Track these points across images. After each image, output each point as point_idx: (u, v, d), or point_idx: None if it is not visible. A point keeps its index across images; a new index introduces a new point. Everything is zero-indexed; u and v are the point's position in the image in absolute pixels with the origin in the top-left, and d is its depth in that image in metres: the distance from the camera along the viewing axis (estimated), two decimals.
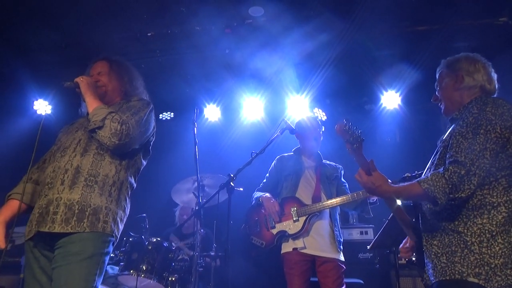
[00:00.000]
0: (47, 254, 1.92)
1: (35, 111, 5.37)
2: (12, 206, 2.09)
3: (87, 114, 2.25)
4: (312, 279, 3.15)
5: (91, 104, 2.10)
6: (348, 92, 5.30)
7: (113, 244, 2.02)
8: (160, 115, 5.66)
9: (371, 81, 5.07)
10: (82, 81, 2.16)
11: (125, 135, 2.01)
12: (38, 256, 1.94)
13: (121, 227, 2.08)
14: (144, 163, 2.35)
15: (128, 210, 2.18)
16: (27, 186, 2.11)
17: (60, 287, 1.78)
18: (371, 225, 4.23)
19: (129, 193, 2.19)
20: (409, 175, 3.03)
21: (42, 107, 5.36)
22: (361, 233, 4.23)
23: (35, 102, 5.35)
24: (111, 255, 2.84)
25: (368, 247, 3.12)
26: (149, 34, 4.41)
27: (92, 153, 2.04)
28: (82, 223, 1.87)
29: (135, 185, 2.25)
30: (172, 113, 5.75)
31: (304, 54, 4.74)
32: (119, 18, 4.01)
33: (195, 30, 4.39)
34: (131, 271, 3.42)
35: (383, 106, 5.24)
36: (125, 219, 2.13)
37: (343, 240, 3.32)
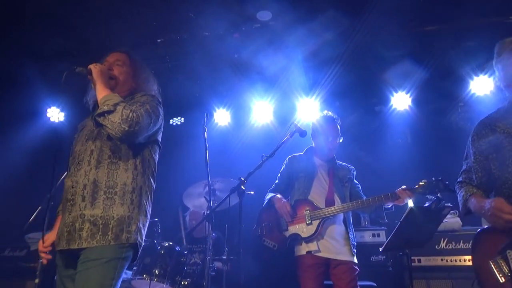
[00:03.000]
0: (73, 263, 1.98)
1: (48, 118, 5.46)
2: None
3: (93, 110, 2.24)
4: (325, 282, 3.13)
5: (102, 91, 2.06)
6: (358, 94, 5.28)
7: (137, 251, 2.03)
8: (171, 120, 5.71)
9: (380, 82, 5.05)
10: (95, 67, 2.12)
11: (135, 123, 1.95)
12: (66, 264, 2.01)
13: (144, 232, 2.08)
14: (157, 158, 2.29)
15: (150, 213, 2.17)
16: None
17: None
18: (383, 228, 4.19)
19: (150, 195, 2.17)
20: (426, 181, 3.01)
21: (55, 114, 5.45)
22: (373, 235, 4.20)
23: (48, 110, 5.44)
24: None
25: (381, 249, 3.08)
26: (159, 40, 4.47)
27: (106, 164, 2.02)
28: (106, 236, 1.89)
29: (154, 185, 2.22)
30: (182, 118, 5.79)
31: (313, 57, 4.75)
32: (129, 25, 4.06)
33: (204, 35, 4.43)
34: (144, 276, 3.45)
35: (393, 107, 5.21)
36: (147, 223, 2.13)
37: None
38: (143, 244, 2.07)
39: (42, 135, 5.32)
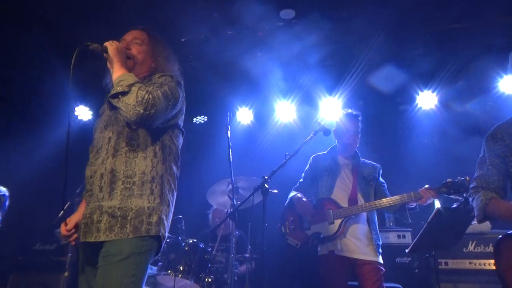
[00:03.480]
0: (94, 257, 1.87)
1: (77, 116, 5.61)
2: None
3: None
4: (351, 282, 3.10)
5: (117, 70, 1.91)
6: (382, 93, 5.21)
7: (160, 243, 1.90)
8: (194, 119, 5.77)
9: (405, 81, 4.97)
10: (111, 45, 1.95)
11: (151, 105, 1.79)
12: (88, 257, 1.92)
13: (167, 223, 1.95)
14: (180, 144, 2.14)
15: (174, 203, 2.03)
16: None
17: None
18: (408, 229, 4.12)
19: (173, 184, 2.03)
20: (450, 180, 2.95)
21: (83, 112, 5.59)
22: (399, 236, 4.13)
23: (76, 108, 5.59)
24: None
25: (407, 250, 3.03)
26: (182, 40, 4.52)
27: (123, 152, 1.90)
28: (125, 229, 1.78)
29: (178, 173, 2.08)
30: (205, 117, 5.84)
31: (335, 55, 4.71)
32: (154, 25, 4.12)
33: (228, 35, 4.46)
34: (169, 271, 3.51)
35: (418, 106, 5.12)
36: (171, 214, 1.99)
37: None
38: (166, 236, 1.95)
39: (71, 133, 5.46)
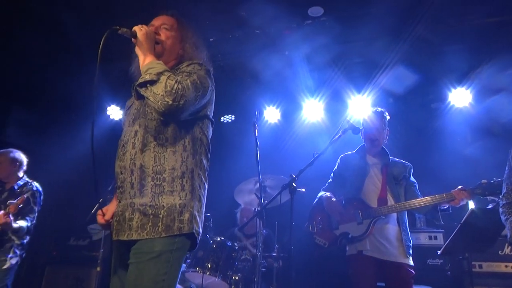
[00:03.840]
0: (127, 254, 1.84)
1: (108, 116, 5.77)
2: None
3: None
4: (379, 284, 3.05)
5: (146, 57, 1.84)
6: (413, 90, 5.09)
7: (195, 240, 1.85)
8: (222, 117, 5.82)
9: (438, 78, 4.83)
10: (141, 29, 1.87)
11: (180, 96, 1.70)
12: (121, 253, 1.89)
13: (200, 219, 1.88)
14: (210, 134, 2.06)
15: (205, 197, 1.96)
16: None
17: (130, 286, 1.71)
18: (440, 230, 4.01)
19: (204, 177, 1.95)
20: (486, 181, 2.84)
21: (115, 112, 5.74)
22: (430, 237, 4.03)
23: (108, 108, 5.75)
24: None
25: (439, 252, 2.95)
26: (211, 40, 4.55)
27: (152, 147, 1.83)
28: (157, 228, 1.73)
29: (208, 165, 2.02)
30: (233, 116, 5.88)
31: (365, 52, 4.63)
32: None
33: (255, 33, 4.46)
34: (197, 269, 3.56)
35: (451, 104, 4.96)
36: (203, 209, 1.93)
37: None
38: (201, 232, 1.88)
39: (103, 132, 5.64)
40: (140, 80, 1.76)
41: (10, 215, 3.43)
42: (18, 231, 3.61)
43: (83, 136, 5.02)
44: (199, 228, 1.86)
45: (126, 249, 1.81)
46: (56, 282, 4.87)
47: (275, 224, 4.09)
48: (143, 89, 1.75)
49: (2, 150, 3.98)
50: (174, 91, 1.70)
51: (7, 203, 3.68)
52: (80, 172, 5.23)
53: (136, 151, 1.83)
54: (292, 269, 3.08)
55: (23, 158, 4.01)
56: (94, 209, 3.91)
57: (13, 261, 3.64)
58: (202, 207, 1.92)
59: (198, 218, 1.86)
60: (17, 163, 3.92)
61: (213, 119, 2.08)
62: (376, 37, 4.42)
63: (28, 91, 5.31)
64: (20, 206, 3.53)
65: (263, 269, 3.68)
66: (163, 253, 1.72)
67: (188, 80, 1.78)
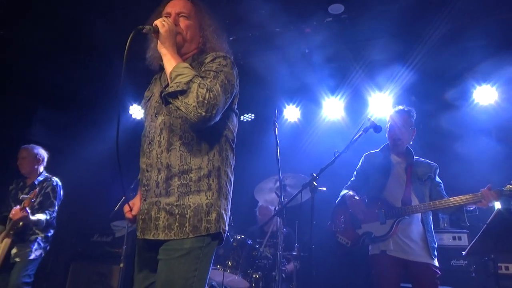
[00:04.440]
0: (153, 252, 1.84)
1: (131, 115, 5.86)
2: None
3: (160, 71, 1.99)
4: (404, 284, 3.01)
5: (170, 57, 1.76)
6: (436, 88, 4.98)
7: (221, 238, 1.83)
8: (241, 116, 5.84)
9: (461, 75, 4.72)
10: (163, 25, 1.78)
11: (212, 106, 1.65)
12: (146, 250, 1.89)
13: (227, 217, 1.85)
14: (235, 126, 2.00)
15: (231, 193, 1.93)
16: None
17: (161, 283, 1.71)
18: (465, 230, 3.92)
19: (230, 173, 1.92)
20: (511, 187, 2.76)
21: (137, 111, 5.84)
22: (454, 238, 3.94)
23: (130, 107, 5.84)
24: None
25: (464, 253, 2.89)
26: (231, 39, 4.57)
27: (177, 146, 1.79)
28: (184, 228, 1.71)
29: (234, 159, 1.97)
30: (252, 115, 5.90)
31: (387, 50, 4.56)
32: None
33: (275, 32, 4.45)
34: (218, 266, 3.58)
35: (475, 101, 4.84)
36: (229, 205, 1.90)
37: None
38: (227, 229, 1.85)
39: (125, 131, 5.73)
40: (170, 90, 1.68)
41: (27, 209, 3.53)
42: (37, 223, 3.70)
43: (107, 135, 5.12)
44: (225, 226, 1.84)
45: (151, 247, 1.80)
46: (81, 278, 4.99)
47: (295, 223, 4.08)
48: (174, 99, 1.68)
49: (25, 146, 4.10)
50: (206, 101, 1.64)
51: (20, 197, 3.86)
52: (103, 171, 5.34)
53: (162, 150, 1.80)
54: (313, 268, 3.07)
55: (45, 154, 4.14)
56: (117, 206, 3.99)
57: (37, 252, 3.75)
58: (228, 204, 1.89)
59: (224, 216, 1.84)
60: (39, 159, 4.04)
61: (237, 111, 2.01)
62: (398, 34, 4.34)
63: (53, 91, 5.44)
64: (33, 200, 3.62)
65: (283, 268, 3.68)
66: (193, 250, 1.71)
67: (218, 84, 1.72)
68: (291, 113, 5.56)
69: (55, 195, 3.94)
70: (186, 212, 1.73)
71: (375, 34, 4.32)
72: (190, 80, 1.67)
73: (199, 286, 1.72)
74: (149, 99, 1.99)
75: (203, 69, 1.80)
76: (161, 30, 1.78)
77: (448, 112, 5.06)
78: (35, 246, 3.75)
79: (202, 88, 1.65)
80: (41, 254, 3.80)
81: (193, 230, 1.72)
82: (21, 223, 3.62)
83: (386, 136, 3.35)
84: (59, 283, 5.13)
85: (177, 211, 1.74)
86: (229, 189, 1.90)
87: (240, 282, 3.70)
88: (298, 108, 5.58)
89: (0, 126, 4.98)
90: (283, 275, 3.70)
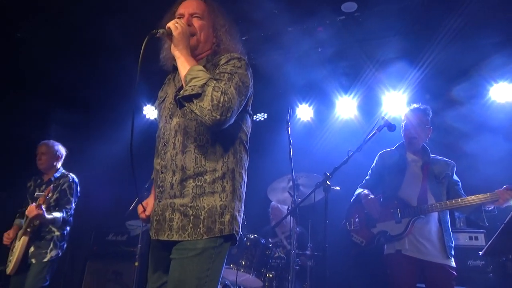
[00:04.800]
0: (166, 252, 1.86)
1: (144, 115, 5.93)
2: None
3: (174, 71, 1.99)
4: (420, 285, 2.98)
5: (185, 61, 1.75)
6: (451, 86, 4.91)
7: (235, 239, 1.84)
8: (254, 116, 5.85)
9: (477, 72, 4.64)
10: (176, 28, 1.77)
11: (227, 109, 1.64)
12: (160, 249, 1.90)
13: (240, 218, 1.86)
14: (249, 127, 2.00)
15: (245, 193, 1.93)
16: None
17: (174, 282, 1.72)
18: (482, 230, 3.85)
19: (244, 174, 1.92)
20: None
21: (150, 111, 5.90)
22: (470, 238, 3.88)
23: (144, 108, 5.90)
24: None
25: (481, 253, 2.84)
26: (243, 38, 4.57)
27: (192, 148, 1.80)
28: (198, 229, 1.72)
29: (247, 160, 1.97)
30: (265, 114, 5.91)
31: (401, 48, 4.52)
32: None
33: (288, 31, 4.44)
34: (231, 266, 3.59)
35: (492, 99, 4.76)
36: (243, 206, 1.91)
37: None
38: (240, 230, 1.86)
39: (139, 132, 5.80)
40: (185, 93, 1.67)
41: (42, 206, 3.44)
42: (54, 222, 3.61)
43: (122, 135, 5.18)
44: (239, 228, 1.85)
45: (165, 247, 1.82)
46: (97, 276, 5.06)
47: (308, 222, 4.07)
48: (189, 103, 1.68)
49: (44, 141, 4.04)
50: (221, 105, 1.63)
51: (35, 195, 3.79)
52: (119, 170, 5.41)
53: (176, 152, 1.81)
54: (327, 267, 3.06)
55: (64, 151, 4.08)
56: (132, 206, 4.04)
57: (53, 253, 3.65)
58: (242, 205, 1.90)
59: (238, 218, 1.84)
60: (59, 155, 3.99)
61: (251, 112, 2.00)
62: (411, 31, 4.30)
63: (68, 92, 5.53)
64: (47, 197, 3.53)
65: (297, 267, 3.67)
66: (206, 250, 1.72)
67: (232, 87, 1.70)
68: (304, 112, 5.55)
69: (71, 191, 3.87)
70: (200, 214, 1.74)
71: (389, 32, 4.28)
72: (205, 83, 1.66)
73: (211, 286, 1.73)
74: (163, 100, 2.00)
75: (217, 71, 1.79)
76: (174, 33, 1.76)
77: (464, 110, 4.98)
78: (51, 246, 3.66)
79: (217, 91, 1.64)
80: (57, 254, 3.71)
81: (207, 231, 1.73)
82: (36, 221, 3.56)
83: (402, 134, 3.32)
84: (76, 281, 5.22)
85: (191, 212, 1.75)
86: (242, 190, 1.91)
87: (253, 281, 3.70)
88: (311, 107, 5.56)
89: (16, 127, 5.08)
90: (297, 267, 3.68)
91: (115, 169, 5.46)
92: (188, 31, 1.84)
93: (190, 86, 1.67)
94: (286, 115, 3.65)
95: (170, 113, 1.89)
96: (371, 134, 3.04)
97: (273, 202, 4.65)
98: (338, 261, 3.95)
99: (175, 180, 1.79)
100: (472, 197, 2.86)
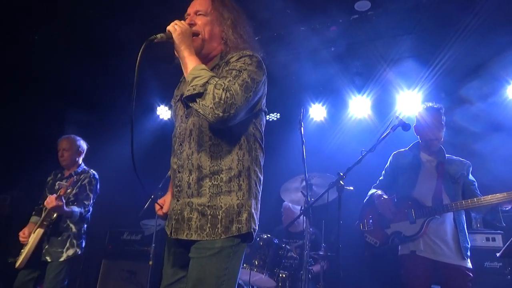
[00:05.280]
0: (182, 248, 1.90)
1: (158, 116, 5.98)
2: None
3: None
4: (435, 286, 2.94)
5: (188, 62, 1.75)
6: (467, 84, 4.83)
7: (251, 236, 1.83)
8: (267, 116, 5.82)
9: (493, 70, 4.56)
10: (175, 30, 1.76)
11: (229, 105, 1.63)
12: (176, 249, 1.94)
13: (256, 216, 1.86)
14: (263, 126, 2.00)
15: (261, 192, 1.93)
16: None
17: (192, 281, 1.73)
18: (499, 231, 3.78)
19: (259, 172, 1.91)
20: None
21: (164, 112, 5.95)
22: (487, 239, 3.80)
23: (157, 108, 5.95)
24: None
25: (498, 254, 2.79)
26: (256, 38, 4.57)
27: (207, 147, 1.80)
28: (216, 229, 1.74)
29: (263, 158, 1.97)
30: (278, 114, 5.90)
31: (416, 47, 4.47)
32: None
33: (300, 31, 4.43)
34: (245, 265, 3.59)
35: (509, 98, 4.67)
36: (259, 204, 1.90)
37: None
38: (257, 228, 1.85)
39: (153, 132, 5.87)
40: (187, 93, 1.69)
41: (62, 198, 3.32)
42: (71, 216, 3.48)
43: (136, 135, 5.22)
44: (255, 225, 1.85)
45: (182, 245, 1.84)
46: (112, 275, 5.12)
47: (321, 222, 4.05)
48: (193, 103, 1.70)
49: (66, 136, 3.92)
50: (223, 101, 1.62)
51: (56, 184, 3.69)
52: (130, 171, 5.46)
53: (192, 151, 1.82)
54: (340, 268, 3.04)
55: (85, 145, 3.99)
56: (146, 205, 4.08)
57: (70, 252, 3.51)
58: (258, 203, 1.90)
59: (255, 215, 1.84)
60: (81, 151, 3.91)
61: (266, 109, 2.00)
62: (426, 29, 4.24)
63: (83, 93, 5.61)
64: (68, 188, 3.42)
65: (310, 268, 3.66)
66: (224, 249, 1.74)
67: (237, 84, 1.69)
68: (317, 112, 5.53)
69: (91, 188, 3.75)
70: (218, 213, 1.76)
71: (403, 31, 4.24)
72: (206, 81, 1.66)
73: (229, 284, 1.73)
74: (179, 99, 2.00)
75: (227, 68, 1.78)
76: (174, 35, 1.75)
77: (480, 109, 4.90)
78: (67, 244, 3.52)
79: (218, 89, 1.64)
80: (75, 252, 3.55)
81: (225, 231, 1.74)
82: (55, 214, 3.41)
83: (417, 135, 3.27)
84: (91, 279, 5.29)
85: (209, 212, 1.76)
86: (258, 188, 1.90)
87: (266, 281, 3.70)
88: (324, 107, 5.54)
89: (33, 127, 5.18)
90: (309, 275, 3.67)
91: (130, 168, 5.51)
92: (190, 31, 1.82)
93: (192, 86, 1.68)
94: (299, 115, 3.64)
95: (186, 112, 1.89)
96: (385, 134, 3.01)
97: (285, 202, 4.65)
98: (352, 261, 3.92)
99: (192, 179, 1.80)
100: (489, 197, 2.80)
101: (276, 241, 3.80)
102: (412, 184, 3.12)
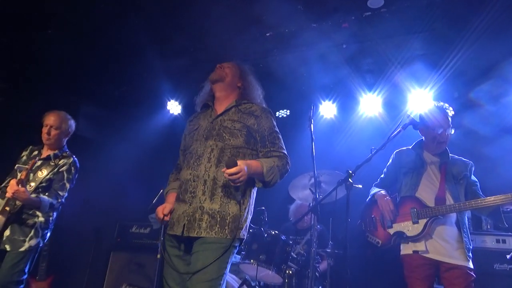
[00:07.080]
0: (183, 245, 2.26)
1: (168, 110, 6.00)
2: (173, 196, 2.41)
3: (203, 107, 2.57)
4: (437, 286, 2.91)
5: (258, 168, 2.23)
6: (480, 83, 4.76)
7: (240, 243, 2.31)
8: (277, 112, 5.83)
9: (508, 69, 4.48)
10: (241, 180, 2.10)
11: (286, 171, 2.45)
12: (177, 245, 2.28)
13: (247, 226, 2.33)
14: None
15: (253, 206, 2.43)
16: (177, 183, 2.46)
17: (197, 269, 2.05)
18: (510, 233, 3.73)
19: (255, 193, 2.41)
20: None
21: (174, 107, 5.97)
22: (497, 241, 3.75)
23: (168, 103, 5.98)
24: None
25: (508, 256, 2.76)
26: (267, 34, 4.57)
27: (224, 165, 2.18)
28: (224, 230, 2.13)
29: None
30: (288, 111, 5.88)
31: (429, 44, 4.41)
32: (241, 21, 4.24)
33: (312, 27, 4.40)
34: (252, 261, 3.61)
35: None
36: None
37: (475, 247, 2.99)
38: (245, 238, 2.32)
39: (163, 126, 5.90)
40: (269, 186, 2.32)
41: (24, 183, 2.87)
42: (39, 206, 3.03)
43: (146, 129, 5.27)
44: (245, 235, 2.31)
45: (184, 243, 2.21)
46: (120, 267, 5.19)
47: (329, 220, 4.04)
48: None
49: (55, 112, 3.39)
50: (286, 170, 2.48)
51: (16, 167, 3.24)
52: (143, 164, 5.51)
53: (211, 165, 2.22)
54: (347, 266, 3.03)
55: (74, 127, 3.51)
56: (155, 199, 4.12)
57: (33, 242, 3.06)
58: (250, 217, 2.37)
59: (247, 227, 2.32)
60: (70, 131, 3.44)
61: None
62: (439, 27, 4.18)
63: (96, 88, 5.66)
64: (30, 171, 2.96)
65: (317, 265, 3.66)
66: (227, 247, 2.12)
67: (283, 146, 2.57)
68: (327, 109, 5.51)
69: (69, 177, 3.25)
70: (226, 217, 2.16)
71: (416, 29, 4.17)
72: (273, 167, 2.32)
73: (225, 277, 2.11)
74: (197, 129, 2.43)
75: (259, 126, 2.43)
76: (242, 178, 2.11)
77: (494, 108, 4.83)
78: (31, 233, 3.07)
79: (280, 169, 2.40)
80: (38, 243, 3.11)
81: (230, 232, 2.15)
82: (17, 202, 2.96)
83: (422, 134, 3.23)
84: (100, 271, 5.36)
85: (218, 216, 2.15)
86: (253, 205, 2.39)
87: (273, 277, 3.71)
88: (335, 105, 5.51)
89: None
90: (317, 273, 3.67)
91: (140, 162, 5.57)
92: (246, 172, 2.14)
93: (272, 183, 2.33)
94: (308, 112, 3.62)
95: (206, 136, 2.33)
96: (396, 132, 2.98)
97: (299, 201, 4.63)
98: (358, 260, 3.90)
99: (207, 188, 2.19)
100: (492, 198, 2.77)
101: (283, 237, 3.80)
102: (415, 184, 3.08)
